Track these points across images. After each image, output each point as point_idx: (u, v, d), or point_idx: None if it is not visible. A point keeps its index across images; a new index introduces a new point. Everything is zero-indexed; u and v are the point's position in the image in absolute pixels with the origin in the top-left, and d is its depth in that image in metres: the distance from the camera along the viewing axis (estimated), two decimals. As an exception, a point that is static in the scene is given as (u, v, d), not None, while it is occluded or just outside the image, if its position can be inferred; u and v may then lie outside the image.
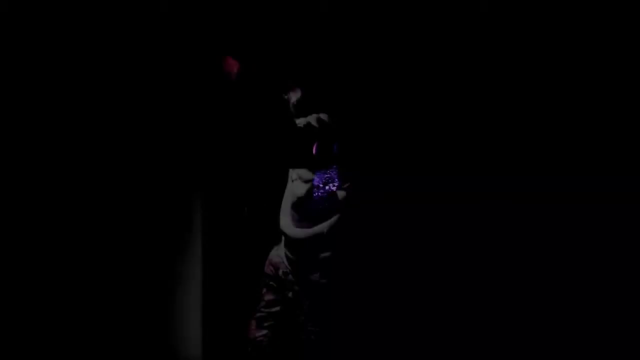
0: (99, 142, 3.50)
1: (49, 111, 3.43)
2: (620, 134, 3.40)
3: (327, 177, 3.05)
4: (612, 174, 3.37)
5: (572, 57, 3.42)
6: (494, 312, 3.47)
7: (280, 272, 3.20)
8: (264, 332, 3.20)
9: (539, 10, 3.43)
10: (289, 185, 3.14)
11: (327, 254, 3.06)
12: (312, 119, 3.02)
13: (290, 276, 3.17)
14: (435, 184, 3.48)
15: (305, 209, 3.07)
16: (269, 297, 3.23)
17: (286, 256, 3.18)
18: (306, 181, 3.05)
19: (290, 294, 3.17)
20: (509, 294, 3.46)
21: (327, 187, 3.04)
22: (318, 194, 3.04)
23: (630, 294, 3.36)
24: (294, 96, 3.06)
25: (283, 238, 3.19)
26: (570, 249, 3.42)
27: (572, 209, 3.39)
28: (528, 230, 3.46)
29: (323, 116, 3.05)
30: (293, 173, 3.12)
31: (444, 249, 3.51)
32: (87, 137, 3.49)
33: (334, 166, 3.07)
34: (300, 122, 3.01)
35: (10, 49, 3.36)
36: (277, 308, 3.21)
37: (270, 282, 3.24)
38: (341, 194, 3.05)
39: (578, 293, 3.41)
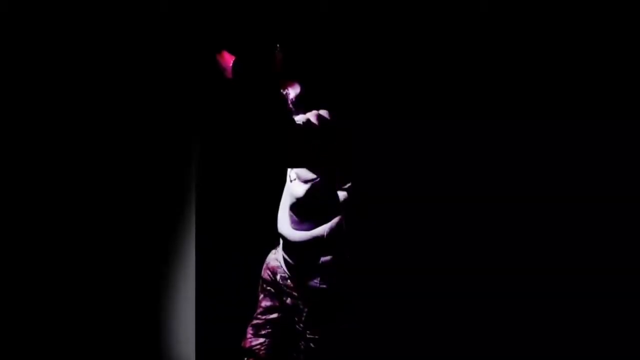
0: (97, 141, 3.51)
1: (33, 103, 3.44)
2: (620, 133, 3.40)
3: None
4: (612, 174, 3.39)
5: (571, 57, 3.40)
6: (504, 320, 3.48)
7: (278, 277, 3.12)
8: (261, 340, 3.14)
9: (539, 11, 3.40)
10: (288, 185, 3.03)
11: (327, 258, 2.95)
12: (311, 115, 2.90)
13: (288, 281, 3.08)
14: (436, 184, 3.48)
15: (304, 211, 2.96)
16: (266, 303, 3.16)
17: (284, 260, 3.09)
18: (305, 181, 2.93)
19: (288, 300, 3.08)
20: (510, 297, 3.47)
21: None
22: (317, 195, 2.93)
23: (630, 294, 3.38)
24: (293, 92, 2.95)
25: (281, 241, 3.10)
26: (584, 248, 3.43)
27: (574, 208, 3.42)
28: (527, 230, 3.47)
29: (323, 112, 2.93)
30: (292, 173, 3.00)
31: (448, 251, 3.48)
32: (86, 136, 3.49)
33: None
34: (299, 119, 2.91)
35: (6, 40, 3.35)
36: (275, 315, 3.15)
37: (268, 288, 3.17)
38: (341, 194, 2.94)
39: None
